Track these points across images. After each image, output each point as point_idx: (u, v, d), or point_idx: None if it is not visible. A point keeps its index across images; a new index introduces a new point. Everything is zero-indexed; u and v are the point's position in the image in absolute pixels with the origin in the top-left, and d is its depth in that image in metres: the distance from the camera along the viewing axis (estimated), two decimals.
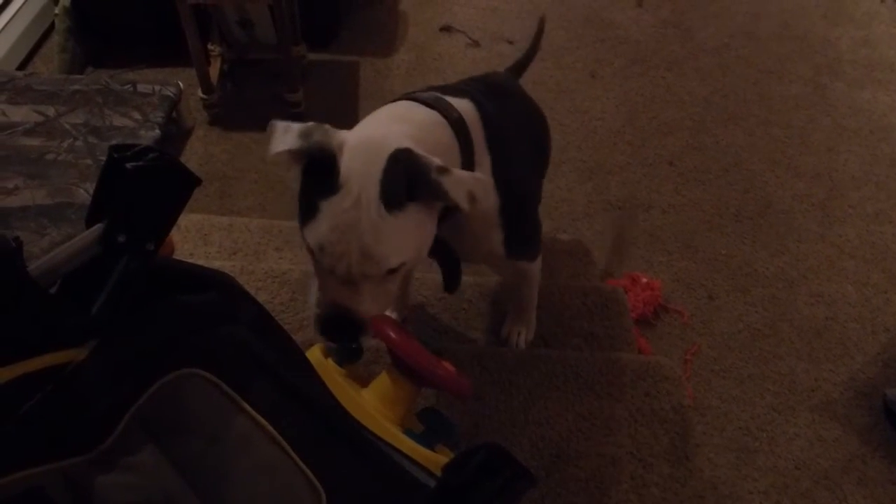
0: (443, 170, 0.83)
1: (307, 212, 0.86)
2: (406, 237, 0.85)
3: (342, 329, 0.89)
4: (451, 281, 1.07)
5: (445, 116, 0.96)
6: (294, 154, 0.86)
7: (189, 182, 0.69)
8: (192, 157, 2.21)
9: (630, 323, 1.58)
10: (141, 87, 2.07)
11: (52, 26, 2.43)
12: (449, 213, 0.95)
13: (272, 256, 1.73)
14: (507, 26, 2.79)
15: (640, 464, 1.21)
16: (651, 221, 2.10)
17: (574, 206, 2.13)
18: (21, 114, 1.92)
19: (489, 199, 0.87)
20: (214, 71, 2.32)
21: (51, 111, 1.94)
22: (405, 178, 0.83)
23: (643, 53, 2.70)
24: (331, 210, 0.83)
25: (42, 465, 0.62)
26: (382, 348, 1.24)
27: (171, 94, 2.08)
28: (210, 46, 2.37)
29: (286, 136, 0.86)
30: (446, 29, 2.75)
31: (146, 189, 0.65)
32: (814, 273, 1.98)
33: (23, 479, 0.61)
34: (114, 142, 1.85)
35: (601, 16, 2.87)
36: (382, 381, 0.86)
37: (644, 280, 1.87)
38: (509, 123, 1.11)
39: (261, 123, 2.36)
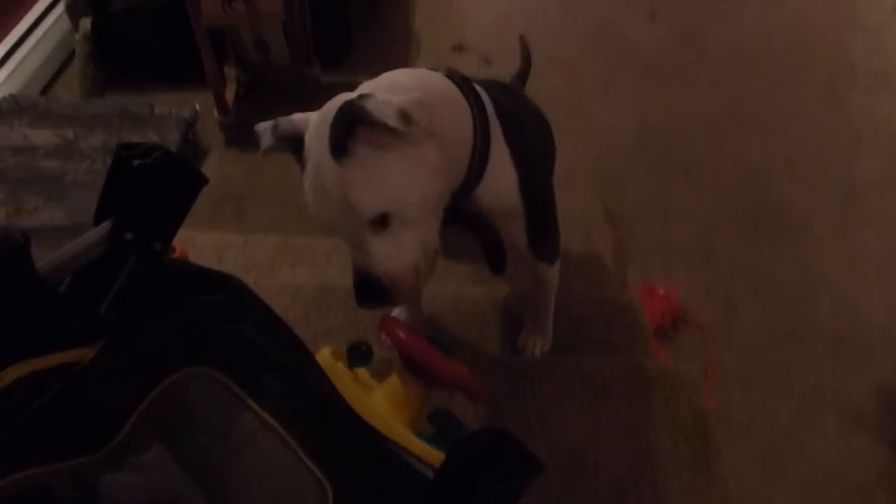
0: (364, 95, 0.84)
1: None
2: (369, 180, 0.85)
3: (371, 293, 0.91)
4: (496, 260, 1.05)
5: (459, 86, 0.97)
6: (277, 148, 0.93)
7: (196, 180, 0.69)
8: (209, 177, 2.23)
9: (646, 332, 1.56)
10: (158, 110, 2.11)
11: (73, 53, 2.49)
12: (465, 189, 0.97)
13: (286, 272, 1.73)
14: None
15: (660, 471, 1.18)
16: (668, 232, 2.08)
17: (590, 219, 2.11)
18: (42, 137, 1.96)
19: (422, 119, 0.83)
20: (230, 93, 2.35)
21: (70, 134, 1.98)
22: (345, 124, 0.84)
23: (656, 66, 2.70)
24: (306, 183, 0.90)
25: (49, 464, 0.62)
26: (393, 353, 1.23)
27: (188, 116, 2.11)
28: (226, 69, 2.41)
29: (264, 136, 0.92)
30: (458, 48, 2.77)
31: (153, 187, 0.66)
32: (835, 279, 1.94)
33: (30, 477, 0.61)
34: None
35: (613, 30, 2.88)
36: (392, 383, 0.85)
37: (661, 291, 1.84)
38: (521, 116, 1.11)
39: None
